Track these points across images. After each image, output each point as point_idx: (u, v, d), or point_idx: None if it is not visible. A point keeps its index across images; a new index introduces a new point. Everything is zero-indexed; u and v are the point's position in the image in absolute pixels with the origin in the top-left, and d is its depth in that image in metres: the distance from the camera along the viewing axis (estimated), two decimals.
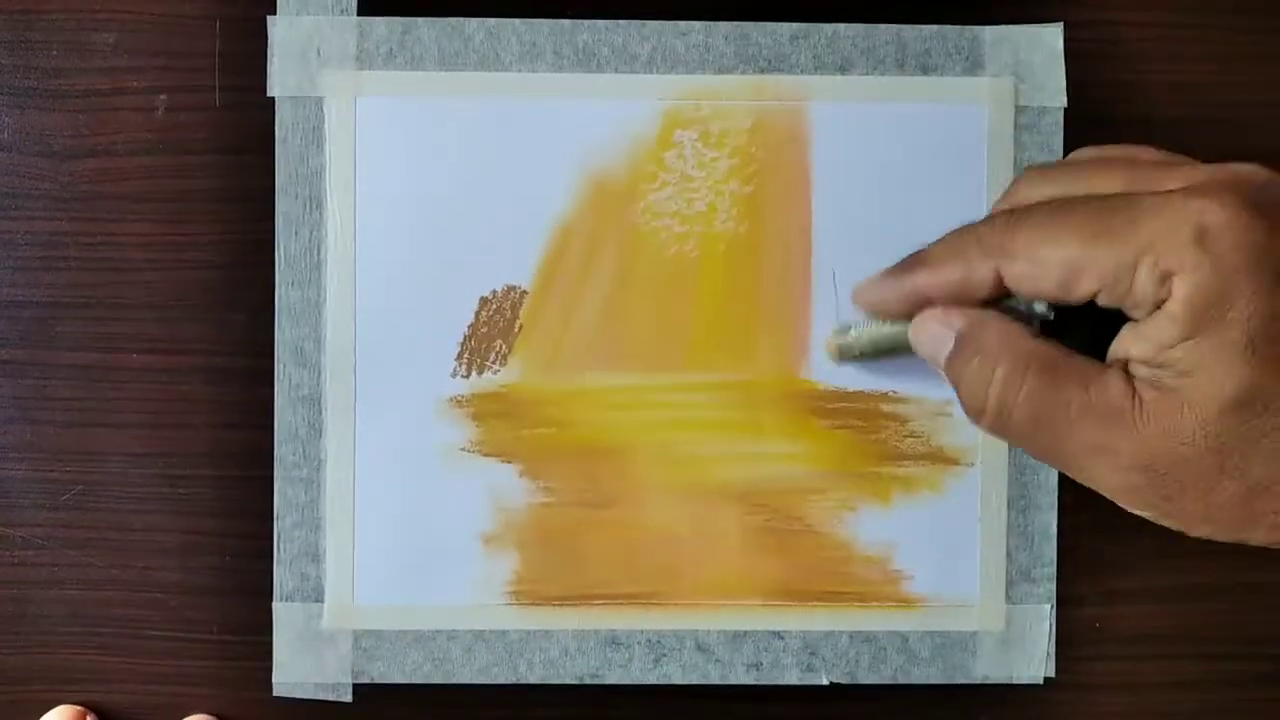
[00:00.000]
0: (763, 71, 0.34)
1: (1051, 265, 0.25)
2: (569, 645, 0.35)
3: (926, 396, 0.34)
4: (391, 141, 0.34)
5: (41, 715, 0.34)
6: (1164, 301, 0.24)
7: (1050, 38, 0.34)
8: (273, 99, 0.34)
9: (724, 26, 0.34)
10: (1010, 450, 0.34)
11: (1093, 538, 0.35)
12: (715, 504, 0.34)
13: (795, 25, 0.34)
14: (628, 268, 0.34)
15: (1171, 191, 0.24)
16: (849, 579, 0.35)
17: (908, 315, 0.28)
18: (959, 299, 0.27)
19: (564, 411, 0.34)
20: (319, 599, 0.34)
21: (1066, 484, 0.35)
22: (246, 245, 0.34)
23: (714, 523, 0.34)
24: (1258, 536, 0.25)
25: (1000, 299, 0.27)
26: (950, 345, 0.27)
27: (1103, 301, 0.25)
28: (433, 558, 0.34)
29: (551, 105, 0.34)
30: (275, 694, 0.34)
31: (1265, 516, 0.24)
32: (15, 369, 0.34)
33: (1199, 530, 0.25)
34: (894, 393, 0.34)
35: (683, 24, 0.34)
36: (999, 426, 0.26)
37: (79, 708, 0.34)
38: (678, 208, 0.34)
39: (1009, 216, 0.26)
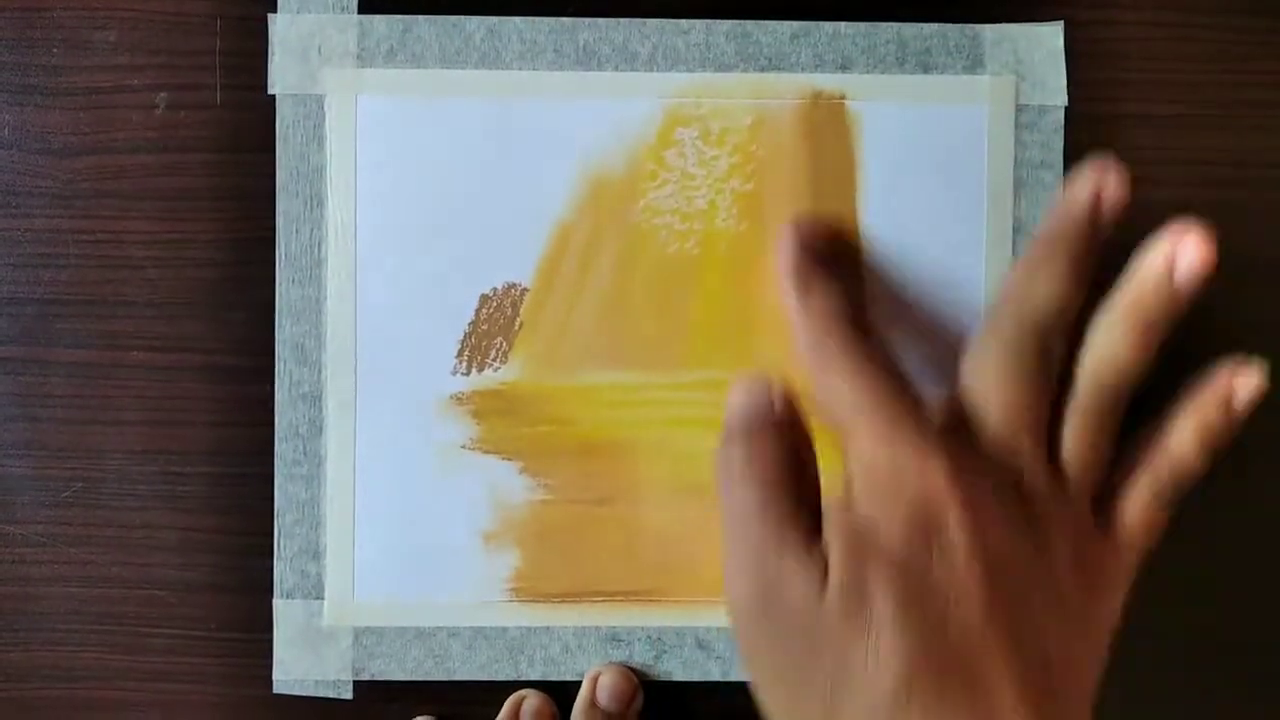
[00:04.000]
0: (763, 70, 0.34)
1: None
2: (569, 642, 0.35)
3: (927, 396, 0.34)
4: (392, 139, 0.34)
5: (42, 714, 0.34)
6: None
7: (1051, 36, 0.35)
8: (273, 97, 0.34)
9: (724, 25, 0.34)
10: None
11: None
12: (715, 501, 0.34)
13: (796, 24, 0.34)
14: (628, 265, 0.34)
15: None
16: None
17: None
18: None
19: (564, 409, 0.34)
20: (319, 596, 0.34)
21: None
22: (247, 243, 0.34)
23: (714, 520, 0.34)
24: None
25: None
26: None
27: None
28: (433, 555, 0.34)
29: (552, 103, 0.34)
30: (275, 691, 0.35)
31: None
32: (15, 366, 0.34)
33: None
34: None
35: (683, 22, 0.34)
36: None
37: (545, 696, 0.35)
38: (678, 206, 0.34)
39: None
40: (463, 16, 0.34)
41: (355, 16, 0.34)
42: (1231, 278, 0.35)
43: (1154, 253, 0.29)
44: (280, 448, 0.34)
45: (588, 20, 0.34)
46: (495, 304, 0.34)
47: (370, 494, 0.34)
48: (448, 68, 0.34)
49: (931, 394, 0.29)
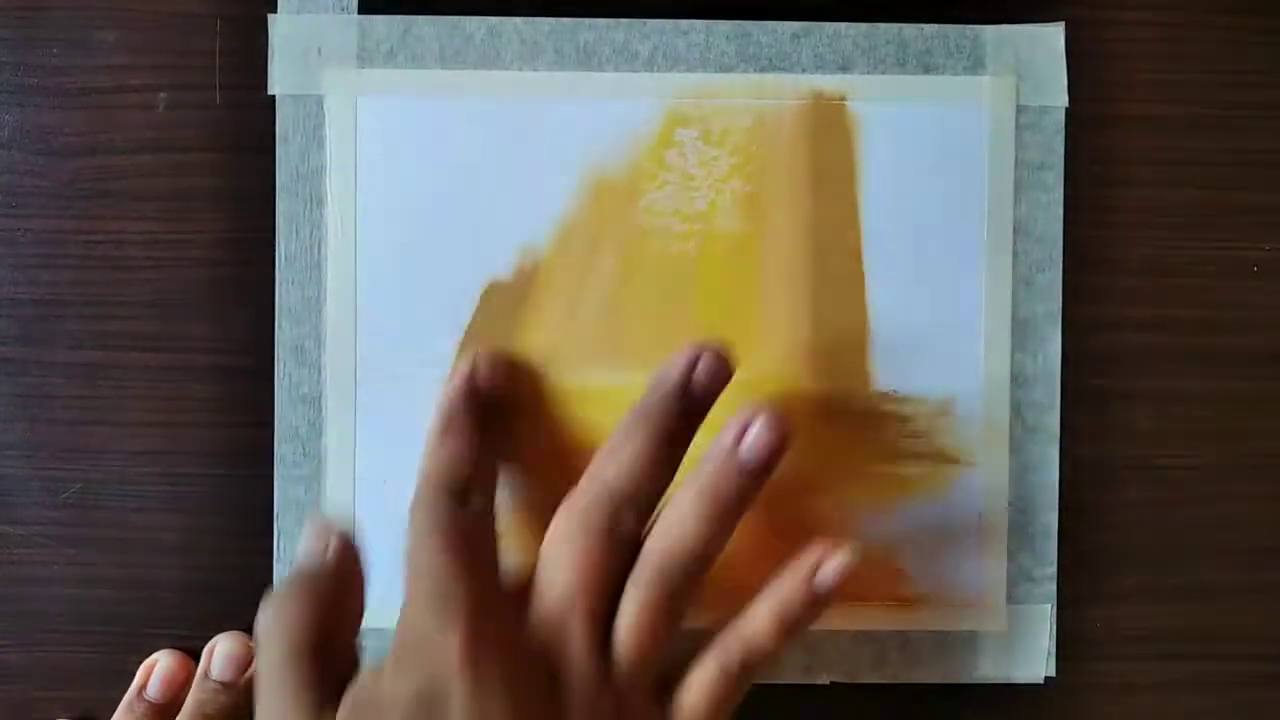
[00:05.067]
0: (764, 70, 0.34)
1: None
2: None
3: (927, 396, 0.34)
4: (392, 140, 0.34)
5: (41, 714, 0.34)
6: None
7: (1052, 37, 0.34)
8: (273, 97, 0.34)
9: (725, 25, 0.34)
10: (1012, 450, 0.34)
11: (1094, 538, 0.35)
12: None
13: (796, 24, 0.34)
14: (628, 266, 0.34)
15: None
16: (849, 578, 0.34)
17: None
18: None
19: (565, 410, 0.34)
20: None
21: (1068, 484, 0.35)
22: (247, 244, 0.34)
23: None
24: None
25: None
26: None
27: None
28: None
29: (552, 104, 0.34)
30: None
31: None
32: (15, 367, 0.34)
33: None
34: (895, 392, 0.34)
35: (684, 23, 0.34)
36: None
37: (181, 654, 0.34)
38: (678, 206, 0.34)
39: None
40: (463, 17, 0.34)
41: (355, 17, 0.34)
42: (1232, 279, 0.35)
43: (724, 430, 0.29)
44: (280, 449, 0.34)
45: (588, 20, 0.34)
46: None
47: (370, 495, 0.34)
48: (448, 68, 0.34)
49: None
